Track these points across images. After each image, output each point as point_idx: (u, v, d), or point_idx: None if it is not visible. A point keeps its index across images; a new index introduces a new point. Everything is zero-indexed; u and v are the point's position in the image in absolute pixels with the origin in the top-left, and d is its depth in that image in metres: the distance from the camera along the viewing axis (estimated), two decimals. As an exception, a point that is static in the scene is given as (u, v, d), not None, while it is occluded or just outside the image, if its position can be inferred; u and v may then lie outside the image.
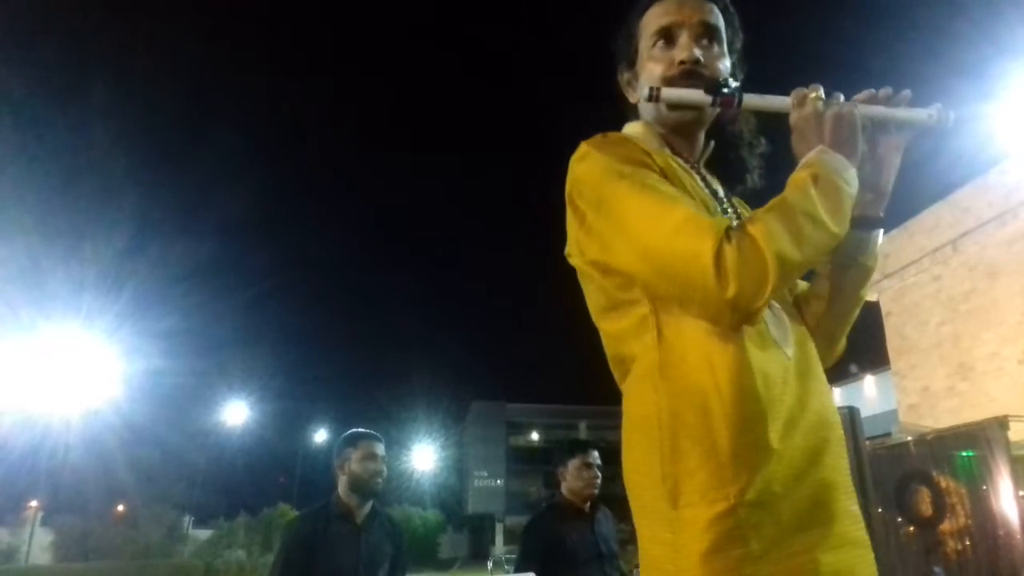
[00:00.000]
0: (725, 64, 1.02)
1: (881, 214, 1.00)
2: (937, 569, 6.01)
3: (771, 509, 0.76)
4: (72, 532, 20.26)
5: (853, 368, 15.33)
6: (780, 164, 0.95)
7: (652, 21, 1.04)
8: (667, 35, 1.02)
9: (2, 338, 15.14)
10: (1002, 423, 5.79)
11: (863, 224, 0.98)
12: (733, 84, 0.97)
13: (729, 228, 0.80)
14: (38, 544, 20.38)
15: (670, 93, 0.96)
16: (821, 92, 0.92)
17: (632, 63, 1.09)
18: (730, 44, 1.06)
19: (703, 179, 1.02)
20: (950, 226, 9.23)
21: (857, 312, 1.06)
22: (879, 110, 0.93)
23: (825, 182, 0.84)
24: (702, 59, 1.00)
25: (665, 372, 0.85)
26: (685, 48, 1.00)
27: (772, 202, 0.84)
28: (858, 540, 0.81)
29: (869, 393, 13.73)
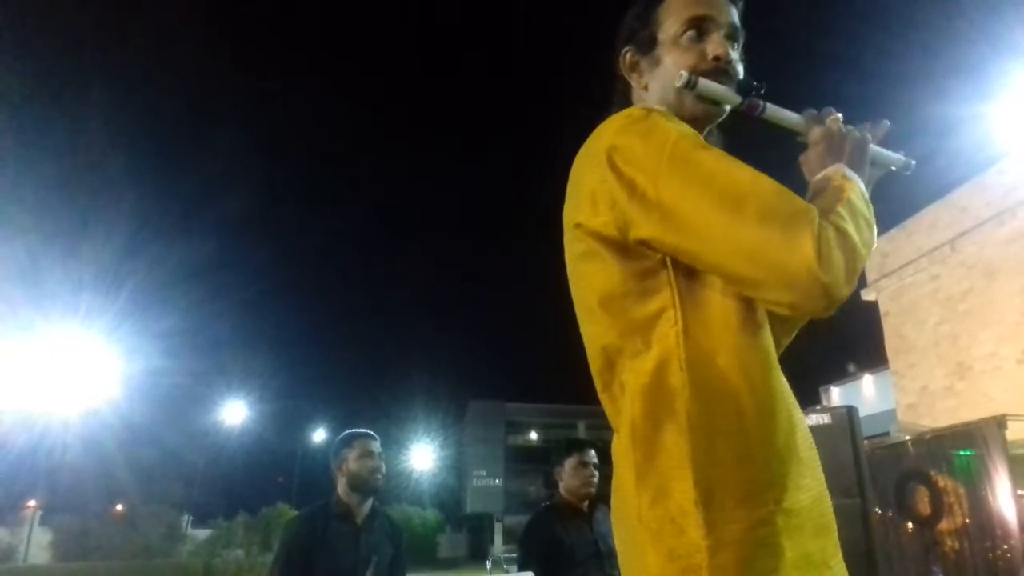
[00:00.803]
0: (742, 70, 1.02)
1: None
2: (935, 568, 6.02)
3: (799, 516, 0.77)
4: (71, 531, 20.24)
5: (851, 367, 15.35)
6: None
7: (681, 9, 1.01)
8: (699, 27, 1.00)
9: (1, 338, 15.13)
10: (1000, 422, 5.80)
11: None
12: (762, 90, 0.98)
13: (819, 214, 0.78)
14: (37, 543, 20.36)
15: (707, 85, 0.96)
16: (840, 116, 0.94)
17: (645, 45, 1.05)
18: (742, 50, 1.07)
19: None
20: (948, 226, 9.25)
21: (792, 336, 1.08)
22: (873, 147, 0.97)
23: (861, 192, 0.86)
24: (732, 60, 1.00)
25: (694, 369, 0.80)
26: (719, 45, 0.99)
27: (833, 194, 0.84)
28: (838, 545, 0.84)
29: (867, 392, 13.75)
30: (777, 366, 0.85)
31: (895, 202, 10.82)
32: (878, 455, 6.70)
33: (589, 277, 0.91)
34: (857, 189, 0.86)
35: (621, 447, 0.86)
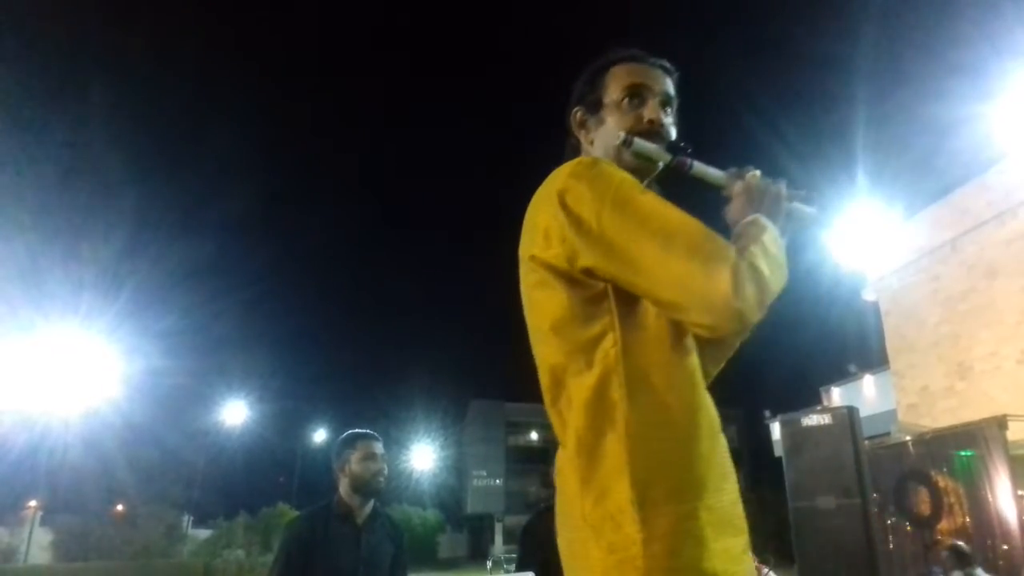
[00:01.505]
0: (674, 132, 1.17)
1: None
2: (935, 568, 6.02)
3: (719, 512, 0.89)
4: (71, 532, 20.26)
5: (852, 367, 15.31)
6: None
7: (623, 77, 1.18)
8: (638, 94, 1.16)
9: (1, 338, 15.14)
10: (1000, 423, 5.80)
11: None
12: (689, 150, 1.12)
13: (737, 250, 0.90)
14: (37, 543, 20.37)
15: (641, 144, 1.11)
16: (758, 173, 1.08)
17: (593, 107, 1.21)
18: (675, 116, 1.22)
19: None
20: (949, 226, 9.25)
21: (729, 355, 1.18)
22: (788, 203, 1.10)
23: (775, 238, 0.98)
24: (665, 124, 1.15)
25: (632, 385, 0.92)
26: (654, 111, 1.15)
27: (749, 238, 0.95)
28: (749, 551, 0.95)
29: (868, 393, 13.73)
30: (702, 384, 0.97)
31: (896, 202, 10.83)
32: (879, 455, 6.70)
33: (541, 304, 1.03)
34: (771, 234, 0.97)
35: (567, 456, 0.97)
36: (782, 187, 1.07)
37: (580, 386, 0.95)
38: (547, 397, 1.02)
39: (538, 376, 1.05)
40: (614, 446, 0.90)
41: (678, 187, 1.16)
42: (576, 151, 1.24)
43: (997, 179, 8.64)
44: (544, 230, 1.01)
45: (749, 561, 0.91)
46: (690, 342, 0.98)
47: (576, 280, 0.98)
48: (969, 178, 9.13)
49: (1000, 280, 8.36)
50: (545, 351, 1.02)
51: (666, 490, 0.87)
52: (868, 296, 10.84)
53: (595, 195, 0.97)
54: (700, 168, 1.11)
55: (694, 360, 0.98)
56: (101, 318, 18.12)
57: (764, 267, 0.90)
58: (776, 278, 0.92)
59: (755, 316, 0.88)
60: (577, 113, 1.23)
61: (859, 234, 11.12)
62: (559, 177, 1.03)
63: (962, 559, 5.49)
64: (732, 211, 1.05)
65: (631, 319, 0.96)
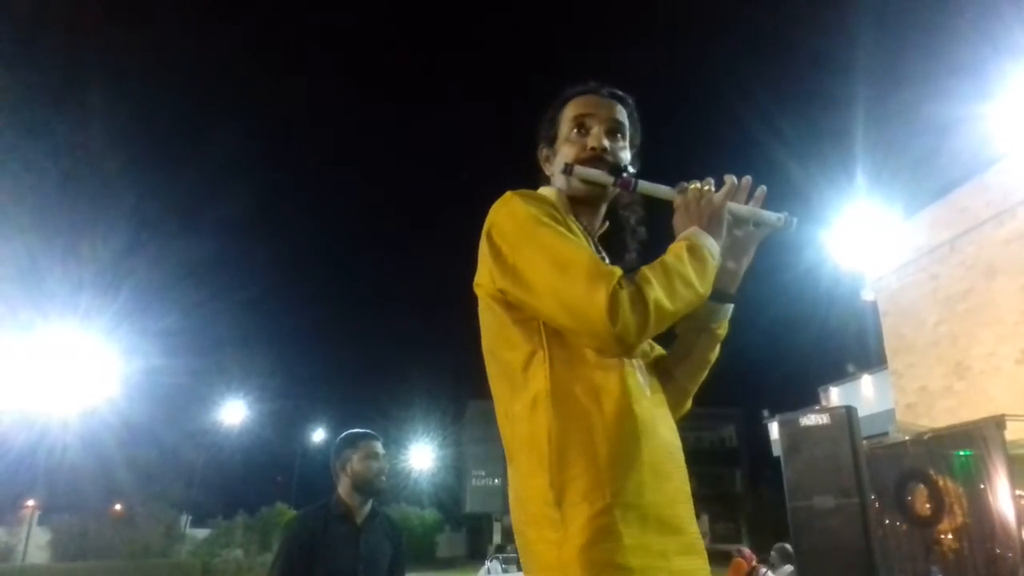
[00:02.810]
0: (626, 155, 1.25)
1: (733, 291, 1.23)
2: (935, 568, 6.03)
3: (639, 511, 0.94)
4: (69, 531, 20.24)
5: (850, 367, 15.31)
6: (659, 247, 1.15)
7: (572, 110, 1.27)
8: (583, 125, 1.25)
9: (0, 337, 15.12)
10: (999, 422, 5.80)
11: (718, 297, 1.18)
12: (632, 171, 1.20)
13: (622, 276, 0.98)
14: (35, 543, 20.36)
15: (581, 170, 1.20)
16: (700, 184, 1.15)
17: (551, 141, 1.31)
18: (631, 139, 1.29)
19: (596, 247, 1.21)
20: (948, 225, 9.25)
21: (706, 373, 1.28)
22: (741, 208, 1.17)
23: (697, 252, 1.06)
24: (608, 148, 1.22)
25: (556, 397, 1.01)
26: (596, 138, 1.23)
27: (654, 263, 1.04)
28: (702, 553, 1.01)
29: (866, 392, 13.73)
30: (634, 394, 1.03)
31: (896, 201, 10.84)
32: (877, 455, 6.71)
33: (485, 326, 1.14)
34: (698, 247, 1.06)
35: (512, 463, 1.06)
36: (720, 199, 1.14)
37: (520, 401, 1.04)
38: (498, 411, 1.12)
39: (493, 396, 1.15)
40: (540, 453, 0.98)
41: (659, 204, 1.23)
42: (547, 182, 1.33)
43: (996, 179, 8.65)
44: (481, 260, 1.12)
45: (679, 564, 0.95)
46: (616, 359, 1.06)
47: (508, 306, 1.08)
48: (968, 178, 9.13)
49: (999, 280, 8.37)
50: (491, 371, 1.13)
51: (581, 489, 0.94)
52: (867, 296, 10.84)
53: (509, 227, 1.08)
54: (645, 186, 1.19)
55: (622, 372, 1.04)
56: (100, 317, 18.11)
57: (657, 290, 0.97)
58: (679, 296, 1.00)
59: (635, 339, 0.95)
60: (542, 150, 1.34)
61: (858, 234, 11.12)
62: (491, 212, 1.13)
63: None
64: (675, 224, 1.15)
65: (558, 337, 1.04)
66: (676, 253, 1.05)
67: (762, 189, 1.20)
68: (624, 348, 0.96)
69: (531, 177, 1.36)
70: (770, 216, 1.19)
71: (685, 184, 1.17)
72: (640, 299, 0.95)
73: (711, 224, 1.11)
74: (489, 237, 1.10)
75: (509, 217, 1.09)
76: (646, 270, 1.01)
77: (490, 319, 1.12)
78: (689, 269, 1.03)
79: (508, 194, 1.15)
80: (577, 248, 1.03)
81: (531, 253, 1.03)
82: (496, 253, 1.08)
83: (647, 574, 0.91)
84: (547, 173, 1.33)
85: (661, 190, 1.20)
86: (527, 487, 1.00)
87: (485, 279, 1.11)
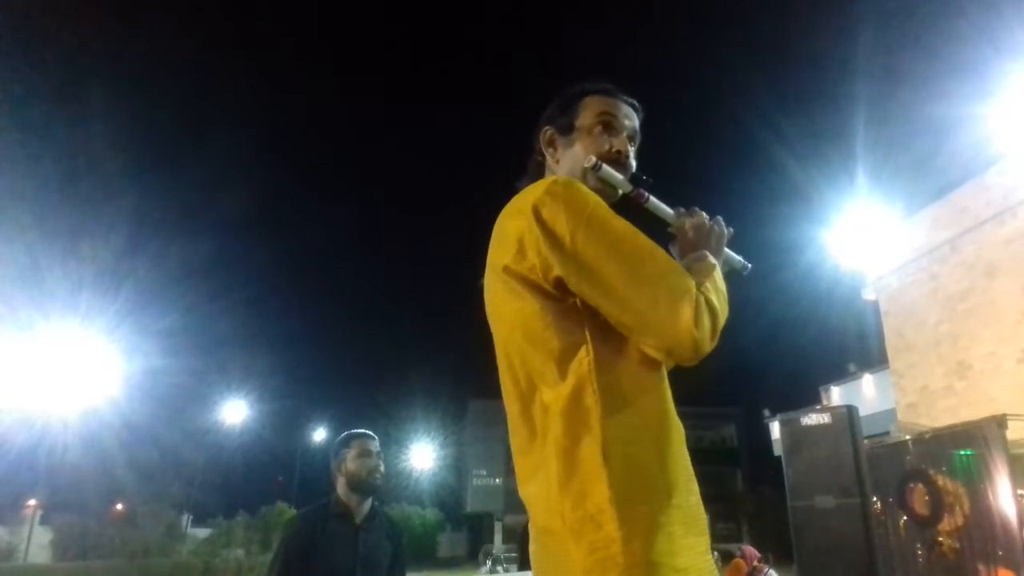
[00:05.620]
0: (635, 166, 1.26)
1: None
2: (935, 568, 6.02)
3: (688, 512, 0.96)
4: (71, 531, 20.26)
5: (851, 367, 15.30)
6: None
7: (598, 106, 1.25)
8: (609, 124, 1.24)
9: (1, 337, 15.12)
10: (1000, 422, 5.80)
11: None
12: (649, 183, 1.21)
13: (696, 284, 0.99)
14: (37, 543, 20.41)
15: (608, 171, 1.19)
16: (704, 214, 1.18)
17: (564, 129, 1.27)
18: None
19: None
20: (948, 225, 9.25)
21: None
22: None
23: (719, 274, 1.08)
24: (630, 156, 1.23)
25: (604, 392, 0.97)
26: (623, 143, 1.23)
27: (702, 274, 1.04)
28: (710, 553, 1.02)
29: (867, 392, 13.73)
30: (668, 394, 1.04)
31: (896, 201, 10.83)
32: (878, 454, 6.70)
33: (512, 314, 1.07)
34: (717, 269, 1.08)
35: (541, 459, 1.00)
36: (724, 227, 1.19)
37: (556, 395, 0.99)
38: (517, 405, 1.06)
39: (511, 386, 1.09)
40: (591, 450, 0.94)
41: (631, 214, 1.23)
42: (540, 168, 1.31)
43: (996, 179, 8.64)
44: (517, 242, 1.05)
45: (708, 564, 0.97)
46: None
47: (549, 293, 1.03)
48: (968, 178, 9.13)
49: (999, 280, 8.37)
50: (516, 360, 1.06)
51: (641, 490, 0.93)
52: (868, 296, 10.83)
53: (570, 214, 1.01)
54: (654, 203, 1.21)
55: (661, 372, 1.04)
56: (101, 317, 18.10)
57: (716, 302, 0.99)
58: (724, 313, 1.01)
59: (709, 347, 0.96)
60: (548, 132, 1.29)
61: (858, 234, 11.13)
62: (535, 192, 1.06)
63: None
64: (682, 244, 1.16)
65: (603, 331, 1.01)
66: (716, 274, 1.07)
67: (731, 231, 1.23)
68: (698, 354, 0.96)
69: (527, 172, 1.33)
70: (737, 260, 1.26)
71: (684, 209, 1.20)
72: (712, 309, 0.97)
73: (716, 250, 1.15)
74: (540, 219, 1.02)
75: (571, 202, 1.03)
76: (704, 281, 1.02)
77: (518, 306, 1.05)
78: (724, 286, 1.06)
79: (562, 177, 1.12)
80: (654, 245, 1.02)
81: (602, 245, 0.99)
82: (551, 239, 1.01)
83: (691, 574, 0.92)
84: (549, 157, 1.29)
85: (666, 211, 1.22)
86: (571, 485, 0.94)
87: (522, 264, 1.04)
